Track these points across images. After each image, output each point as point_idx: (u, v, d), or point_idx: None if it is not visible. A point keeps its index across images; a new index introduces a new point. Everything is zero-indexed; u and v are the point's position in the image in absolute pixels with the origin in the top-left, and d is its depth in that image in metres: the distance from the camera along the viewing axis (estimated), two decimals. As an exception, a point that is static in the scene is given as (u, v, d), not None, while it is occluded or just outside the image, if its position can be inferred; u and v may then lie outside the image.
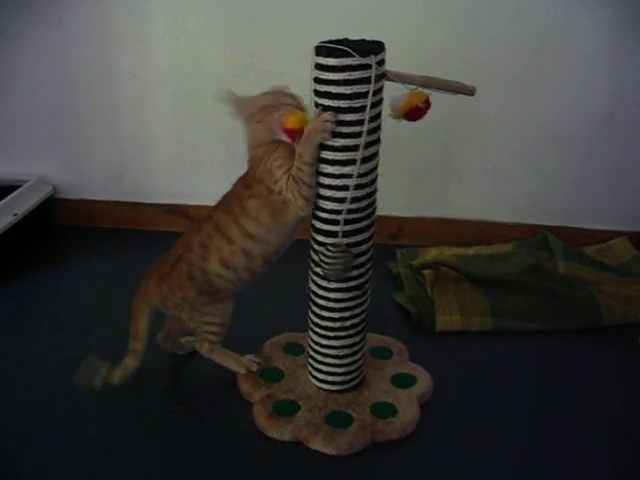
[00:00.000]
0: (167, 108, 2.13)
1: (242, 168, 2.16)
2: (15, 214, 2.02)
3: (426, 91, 1.24)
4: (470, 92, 1.29)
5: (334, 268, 1.28)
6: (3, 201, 2.02)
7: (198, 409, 1.45)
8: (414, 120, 1.26)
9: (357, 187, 1.25)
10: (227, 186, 2.19)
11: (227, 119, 2.09)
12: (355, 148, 1.22)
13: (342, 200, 1.26)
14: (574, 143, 2.04)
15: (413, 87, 1.24)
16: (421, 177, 2.12)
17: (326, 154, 1.24)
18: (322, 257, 1.29)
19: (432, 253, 2.03)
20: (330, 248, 1.28)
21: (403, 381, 1.49)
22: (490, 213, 2.16)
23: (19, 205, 2.06)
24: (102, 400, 1.43)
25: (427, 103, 1.24)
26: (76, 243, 2.20)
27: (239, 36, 2.00)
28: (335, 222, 1.28)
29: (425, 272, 1.91)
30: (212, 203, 2.21)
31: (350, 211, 1.27)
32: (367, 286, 1.38)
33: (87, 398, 1.42)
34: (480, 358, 1.64)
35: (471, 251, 2.08)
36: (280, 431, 1.36)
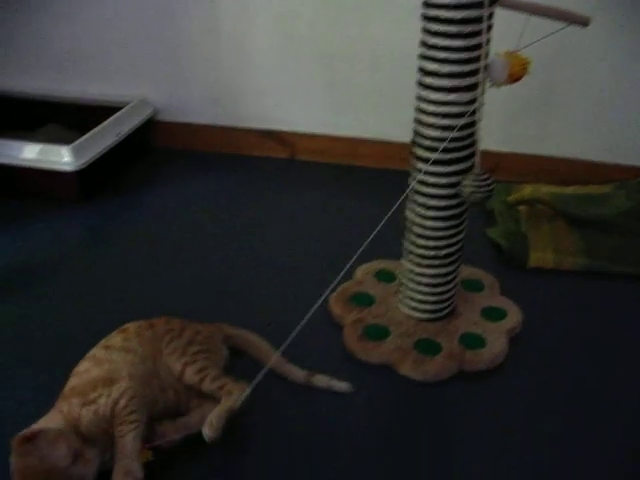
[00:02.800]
0: (268, 33, 2.13)
1: (340, 97, 2.17)
2: (118, 134, 2.08)
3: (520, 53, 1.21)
4: (584, 22, 1.23)
5: (476, 194, 1.26)
6: (107, 121, 2.08)
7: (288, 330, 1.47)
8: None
9: (458, 115, 1.24)
10: (323, 114, 2.20)
11: (326, 47, 2.10)
12: (461, 75, 1.21)
13: (445, 128, 1.25)
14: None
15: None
16: (520, 112, 2.06)
17: (431, 80, 1.23)
18: (464, 184, 1.27)
19: (528, 190, 1.99)
20: (473, 174, 1.26)
21: (493, 314, 1.49)
22: (590, 152, 2.09)
23: (122, 125, 2.13)
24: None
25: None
26: (173, 165, 2.27)
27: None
28: (436, 150, 1.27)
29: (520, 208, 1.88)
30: (306, 130, 2.24)
31: (451, 140, 1.25)
32: (464, 216, 1.37)
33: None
34: (571, 297, 1.62)
35: (568, 190, 2.03)
36: (369, 354, 1.39)
